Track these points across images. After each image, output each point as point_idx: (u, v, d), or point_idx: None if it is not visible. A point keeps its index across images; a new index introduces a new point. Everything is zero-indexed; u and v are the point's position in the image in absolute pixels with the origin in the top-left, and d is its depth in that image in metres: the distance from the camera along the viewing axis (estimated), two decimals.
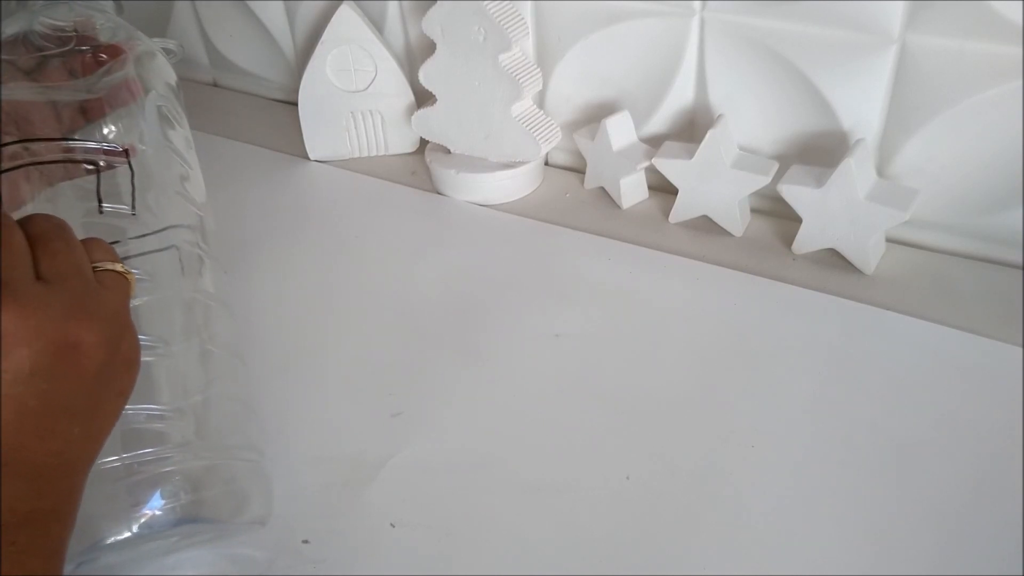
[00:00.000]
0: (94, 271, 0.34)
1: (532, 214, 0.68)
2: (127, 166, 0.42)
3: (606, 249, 0.63)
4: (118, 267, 0.35)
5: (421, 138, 0.74)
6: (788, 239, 0.61)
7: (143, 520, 0.39)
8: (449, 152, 0.71)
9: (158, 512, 0.39)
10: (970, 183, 0.57)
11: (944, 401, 0.49)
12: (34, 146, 0.40)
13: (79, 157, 0.41)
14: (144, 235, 0.42)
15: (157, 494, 0.39)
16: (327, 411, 0.52)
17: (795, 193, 0.59)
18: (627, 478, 0.46)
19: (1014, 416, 0.48)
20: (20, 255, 0.31)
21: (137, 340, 0.35)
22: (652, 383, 0.52)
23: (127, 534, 0.39)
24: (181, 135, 0.47)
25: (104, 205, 0.41)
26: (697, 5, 0.60)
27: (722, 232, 0.64)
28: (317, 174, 0.75)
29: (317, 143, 0.75)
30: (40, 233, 0.33)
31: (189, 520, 0.40)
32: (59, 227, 0.34)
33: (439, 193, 0.71)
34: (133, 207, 0.42)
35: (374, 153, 0.76)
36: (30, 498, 0.30)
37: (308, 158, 0.76)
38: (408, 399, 0.52)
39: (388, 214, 0.69)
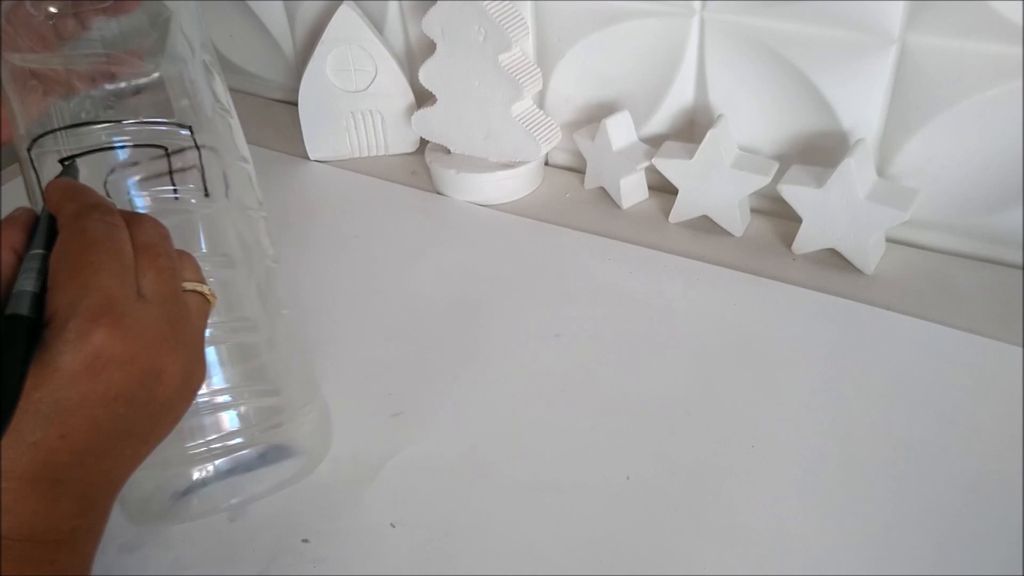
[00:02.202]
0: (184, 290, 0.33)
1: (532, 214, 0.68)
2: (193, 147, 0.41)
3: (606, 249, 0.63)
4: (204, 289, 0.34)
5: (421, 138, 0.74)
6: (788, 239, 0.61)
7: (222, 451, 0.40)
8: (449, 152, 0.71)
9: (236, 442, 0.40)
10: (970, 183, 0.57)
11: (944, 401, 0.49)
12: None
13: (147, 141, 0.39)
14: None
15: (232, 420, 0.40)
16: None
17: (795, 193, 0.59)
18: (627, 478, 0.46)
19: (1014, 416, 0.48)
20: (127, 269, 0.30)
21: (203, 369, 0.34)
22: (652, 383, 0.52)
23: (211, 468, 0.40)
24: (220, 84, 0.45)
25: (175, 188, 0.40)
26: (697, 5, 0.60)
27: (722, 232, 0.64)
28: (317, 174, 0.75)
29: (317, 143, 0.75)
30: (148, 243, 0.32)
31: (265, 450, 0.41)
32: (165, 238, 0.33)
33: (439, 193, 0.71)
34: (206, 190, 0.41)
35: (374, 153, 0.76)
36: (74, 516, 0.30)
37: (308, 158, 0.76)
38: (408, 399, 0.52)
39: (388, 214, 0.69)
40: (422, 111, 0.70)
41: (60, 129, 0.38)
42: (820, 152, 0.60)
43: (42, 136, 0.38)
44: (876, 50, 0.55)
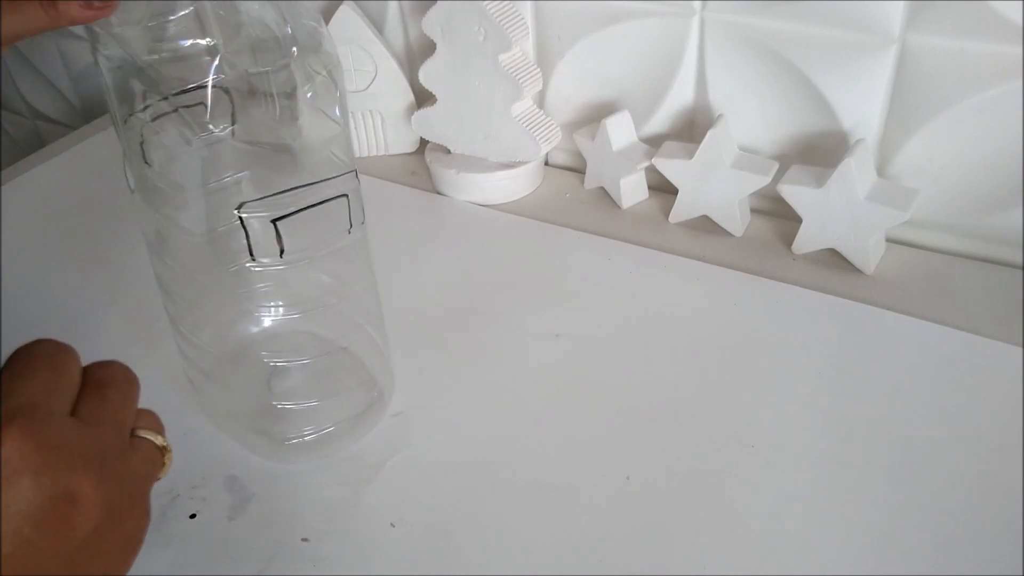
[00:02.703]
0: (133, 434, 0.32)
1: (532, 214, 0.68)
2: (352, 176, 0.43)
3: (606, 249, 0.63)
4: (158, 440, 0.33)
5: (421, 138, 0.74)
6: (788, 239, 0.61)
7: None
8: (449, 152, 0.71)
9: None
10: (970, 183, 0.57)
11: (944, 401, 0.49)
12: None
13: (330, 196, 0.42)
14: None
15: None
16: None
17: (795, 193, 0.59)
18: (627, 478, 0.46)
19: (1014, 416, 0.48)
20: (66, 387, 0.29)
21: (145, 524, 0.31)
22: (652, 383, 0.52)
23: None
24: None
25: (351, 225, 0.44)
26: (697, 5, 0.60)
27: (722, 232, 0.64)
28: None
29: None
30: (104, 377, 0.31)
31: None
32: (127, 380, 0.32)
33: (439, 193, 0.71)
34: (351, 226, 0.44)
35: (374, 153, 0.76)
36: None
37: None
38: (408, 399, 0.52)
39: (388, 214, 0.69)
40: (422, 111, 0.70)
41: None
42: (820, 152, 0.61)
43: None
44: (876, 50, 0.55)
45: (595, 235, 0.64)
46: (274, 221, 0.41)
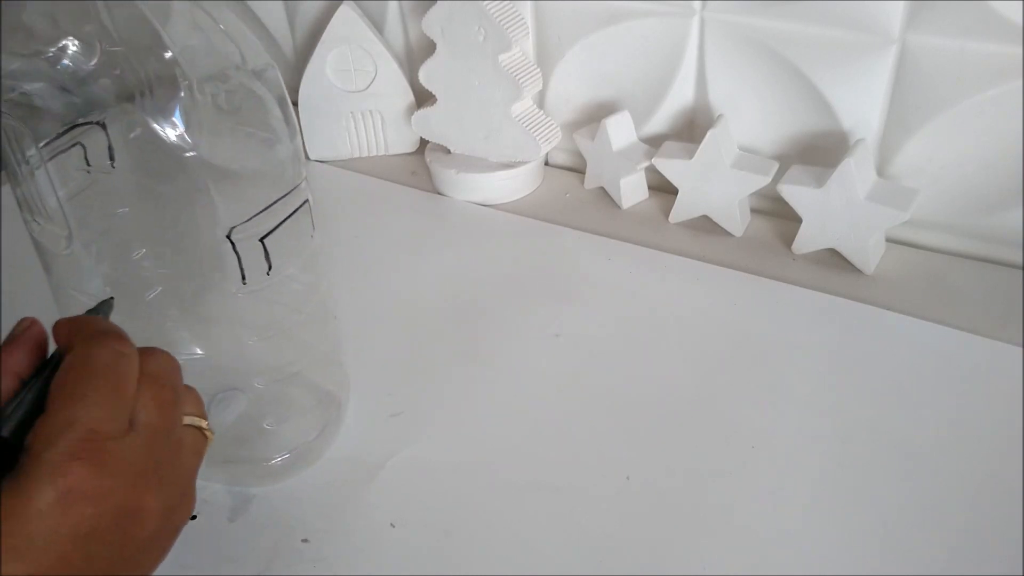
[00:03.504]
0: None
1: (532, 214, 0.68)
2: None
3: (606, 249, 0.63)
4: (203, 424, 0.33)
5: (421, 138, 0.74)
6: (788, 239, 0.61)
7: None
8: (449, 152, 0.71)
9: None
10: (970, 183, 0.57)
11: (944, 401, 0.49)
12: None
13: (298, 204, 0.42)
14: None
15: None
16: None
17: (795, 193, 0.59)
18: (627, 478, 0.46)
19: (1014, 416, 0.48)
20: (126, 402, 0.30)
21: (190, 507, 0.33)
22: (652, 383, 0.52)
23: None
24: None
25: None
26: (697, 5, 0.60)
27: (722, 232, 0.64)
28: (317, 174, 0.75)
29: (317, 143, 0.75)
30: (156, 373, 0.31)
31: None
32: (175, 371, 0.32)
33: (439, 193, 0.71)
34: (313, 230, 0.44)
35: (374, 153, 0.76)
36: None
37: (308, 158, 0.76)
38: (408, 399, 0.52)
39: (388, 214, 0.69)
40: (422, 111, 0.70)
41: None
42: (820, 152, 0.60)
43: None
44: (876, 50, 0.55)
45: (595, 235, 0.64)
46: (261, 240, 0.40)
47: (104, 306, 0.36)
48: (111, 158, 0.40)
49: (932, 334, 0.54)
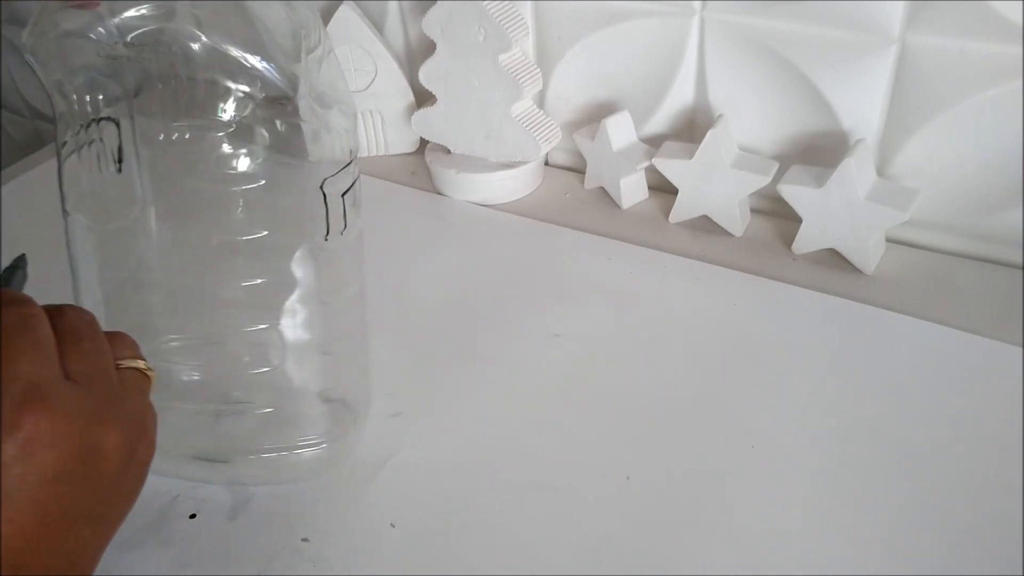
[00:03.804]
0: (117, 367, 0.34)
1: (532, 214, 0.68)
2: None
3: (606, 249, 0.63)
4: (140, 364, 0.35)
5: (421, 138, 0.74)
6: (788, 239, 0.61)
7: None
8: (449, 152, 0.71)
9: None
10: (970, 183, 0.57)
11: (944, 401, 0.49)
12: None
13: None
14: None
15: None
16: None
17: (795, 193, 0.59)
18: (627, 478, 0.46)
19: (1014, 416, 0.48)
20: (51, 354, 0.31)
21: (153, 442, 0.34)
22: (652, 383, 0.52)
23: None
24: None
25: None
26: (697, 5, 0.60)
27: (722, 232, 0.64)
28: None
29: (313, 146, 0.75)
30: (70, 329, 0.32)
31: None
32: (89, 323, 0.33)
33: (439, 193, 0.71)
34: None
35: (374, 153, 0.76)
36: None
37: (308, 158, 0.76)
38: (408, 399, 0.52)
39: (388, 214, 0.69)
40: (422, 111, 0.70)
41: None
42: (820, 152, 0.60)
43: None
44: (876, 50, 0.55)
45: (595, 235, 0.64)
46: (342, 195, 0.42)
47: (14, 274, 0.37)
48: (119, 159, 0.40)
49: (932, 334, 0.54)
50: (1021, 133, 0.54)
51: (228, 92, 0.40)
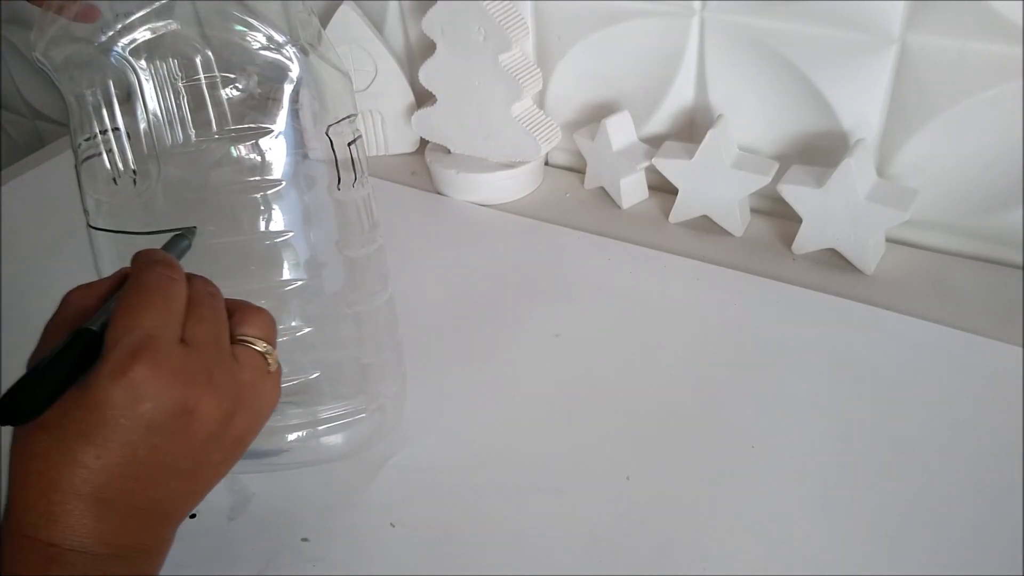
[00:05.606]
0: (237, 341, 0.36)
1: (532, 214, 0.68)
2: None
3: (606, 249, 0.63)
4: (259, 346, 0.36)
5: (421, 138, 0.74)
6: (788, 239, 0.61)
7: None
8: (449, 152, 0.71)
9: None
10: (970, 183, 0.57)
11: (944, 401, 0.49)
12: None
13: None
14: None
15: None
16: None
17: (795, 193, 0.59)
18: (627, 478, 0.46)
19: (1014, 416, 0.48)
20: (175, 316, 0.33)
21: (254, 420, 0.36)
22: (652, 383, 0.52)
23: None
24: None
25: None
26: (697, 5, 0.60)
27: (722, 232, 0.64)
28: None
29: (317, 143, 0.75)
30: (195, 296, 0.35)
31: None
32: (212, 295, 0.36)
33: (439, 193, 0.71)
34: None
35: (374, 153, 0.76)
36: (123, 535, 0.32)
37: (308, 158, 0.76)
38: (408, 399, 0.52)
39: (388, 214, 0.69)
40: (422, 111, 0.70)
41: None
42: (820, 152, 0.61)
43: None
44: (876, 50, 0.55)
45: (595, 235, 0.64)
46: (349, 144, 0.43)
47: (178, 240, 0.39)
48: (134, 171, 0.41)
49: (932, 334, 0.54)
50: (1021, 133, 0.54)
51: (235, 92, 0.40)
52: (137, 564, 0.33)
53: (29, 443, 0.31)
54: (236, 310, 0.37)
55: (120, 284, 0.35)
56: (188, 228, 0.40)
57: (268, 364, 0.36)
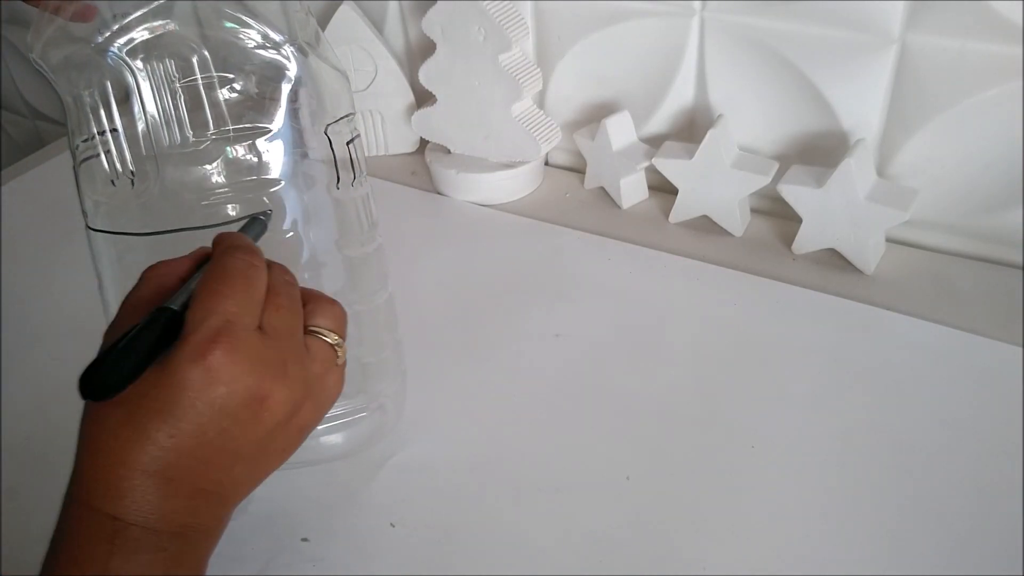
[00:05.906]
0: (309, 332, 0.36)
1: (532, 214, 0.68)
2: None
3: (606, 249, 0.63)
4: (330, 338, 0.37)
5: (421, 138, 0.74)
6: (788, 239, 0.61)
7: None
8: (449, 152, 0.71)
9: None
10: (970, 183, 0.57)
11: (944, 401, 0.49)
12: None
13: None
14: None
15: None
16: None
17: (795, 193, 0.59)
18: (627, 478, 0.46)
19: (1014, 416, 0.48)
20: (256, 303, 0.34)
21: (318, 411, 0.36)
22: (652, 383, 0.52)
23: None
24: None
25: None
26: (697, 5, 0.60)
27: (722, 232, 0.64)
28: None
29: (316, 142, 0.75)
30: (274, 284, 0.35)
31: None
32: (290, 284, 0.36)
33: (439, 193, 0.71)
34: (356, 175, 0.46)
35: (374, 153, 0.76)
36: (185, 514, 0.33)
37: (307, 157, 0.76)
38: (408, 399, 0.52)
39: (388, 214, 0.69)
40: (422, 111, 0.70)
41: None
42: (820, 152, 0.61)
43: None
44: (876, 50, 0.55)
45: (595, 235, 0.64)
46: (347, 143, 0.43)
47: (255, 224, 0.40)
48: (132, 172, 0.41)
49: (932, 334, 0.54)
50: (1021, 133, 0.54)
51: (233, 92, 0.40)
52: (196, 542, 0.34)
53: (102, 417, 0.32)
54: (309, 300, 0.37)
55: (200, 264, 0.36)
56: (264, 211, 0.40)
57: (337, 357, 0.37)
